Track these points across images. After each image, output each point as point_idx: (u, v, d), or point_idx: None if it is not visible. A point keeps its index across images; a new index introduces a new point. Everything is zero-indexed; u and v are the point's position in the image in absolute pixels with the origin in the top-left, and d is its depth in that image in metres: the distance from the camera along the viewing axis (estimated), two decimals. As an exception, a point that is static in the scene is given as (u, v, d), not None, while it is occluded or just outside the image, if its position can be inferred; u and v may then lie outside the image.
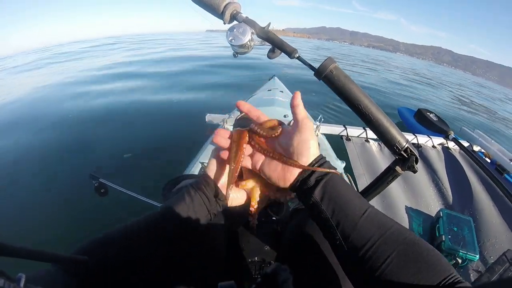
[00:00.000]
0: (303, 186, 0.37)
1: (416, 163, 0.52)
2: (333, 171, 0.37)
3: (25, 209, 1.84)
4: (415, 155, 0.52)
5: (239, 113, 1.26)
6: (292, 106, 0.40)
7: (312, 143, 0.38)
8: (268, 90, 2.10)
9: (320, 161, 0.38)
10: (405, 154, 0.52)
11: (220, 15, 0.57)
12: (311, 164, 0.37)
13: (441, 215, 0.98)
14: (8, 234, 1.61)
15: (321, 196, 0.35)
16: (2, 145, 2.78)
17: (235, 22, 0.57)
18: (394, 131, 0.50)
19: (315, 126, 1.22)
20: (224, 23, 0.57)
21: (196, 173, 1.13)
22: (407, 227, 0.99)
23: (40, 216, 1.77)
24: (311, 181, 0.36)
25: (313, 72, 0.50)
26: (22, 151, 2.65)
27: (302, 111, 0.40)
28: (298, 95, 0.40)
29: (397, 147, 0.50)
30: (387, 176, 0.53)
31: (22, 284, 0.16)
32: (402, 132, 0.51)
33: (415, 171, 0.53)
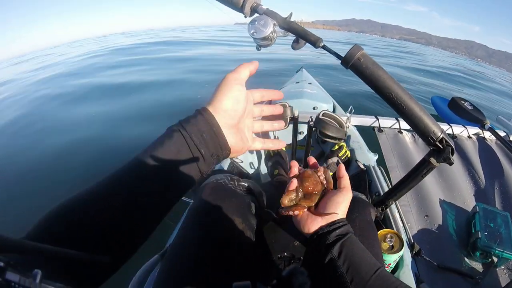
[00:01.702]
0: (321, 239, 0.40)
1: (452, 154, 0.49)
2: (350, 234, 0.41)
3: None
4: (450, 146, 0.49)
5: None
6: (339, 177, 0.46)
7: (343, 206, 0.43)
8: (296, 83, 2.03)
9: (343, 222, 0.42)
10: (440, 145, 0.49)
11: (240, 8, 0.56)
12: (335, 222, 0.41)
13: (477, 210, 0.91)
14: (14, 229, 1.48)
15: (339, 253, 0.38)
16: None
17: (256, 15, 0.56)
18: (428, 121, 0.47)
19: (345, 118, 1.16)
20: (245, 17, 0.57)
21: (225, 167, 1.03)
22: (441, 222, 0.94)
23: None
24: (331, 237, 0.40)
25: (340, 61, 0.48)
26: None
27: (347, 181, 0.45)
28: (343, 167, 0.46)
29: (431, 137, 0.48)
30: (421, 168, 0.50)
31: (38, 280, 0.15)
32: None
33: (451, 163, 0.50)
